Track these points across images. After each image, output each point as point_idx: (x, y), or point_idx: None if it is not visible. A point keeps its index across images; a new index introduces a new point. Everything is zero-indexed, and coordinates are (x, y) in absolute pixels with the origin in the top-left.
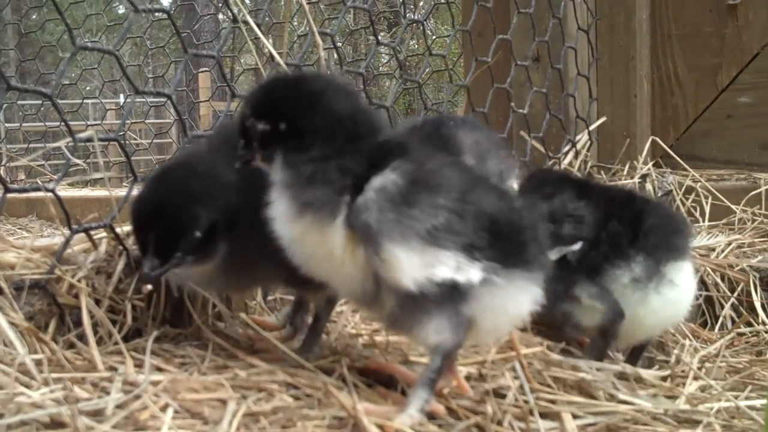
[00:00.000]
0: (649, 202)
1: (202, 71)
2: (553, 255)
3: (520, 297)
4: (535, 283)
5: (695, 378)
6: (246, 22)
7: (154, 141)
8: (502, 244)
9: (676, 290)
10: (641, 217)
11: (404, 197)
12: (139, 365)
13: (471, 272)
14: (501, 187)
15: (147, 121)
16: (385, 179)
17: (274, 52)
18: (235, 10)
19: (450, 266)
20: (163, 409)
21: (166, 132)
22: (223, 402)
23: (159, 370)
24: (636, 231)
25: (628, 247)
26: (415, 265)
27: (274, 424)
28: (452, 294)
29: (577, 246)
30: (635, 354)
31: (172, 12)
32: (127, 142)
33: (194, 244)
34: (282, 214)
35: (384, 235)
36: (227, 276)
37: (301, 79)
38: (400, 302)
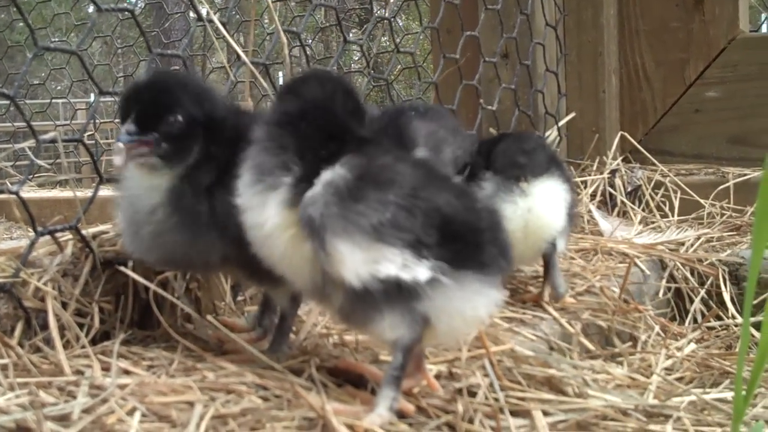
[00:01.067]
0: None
1: (173, 70)
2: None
3: (474, 299)
4: (492, 286)
5: (665, 372)
6: (211, 21)
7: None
8: (454, 244)
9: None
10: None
11: (351, 192)
12: (106, 368)
13: (417, 270)
14: (462, 186)
15: (117, 120)
16: (334, 174)
17: (240, 52)
18: (202, 10)
19: (395, 263)
20: (131, 412)
21: None
22: (191, 404)
23: (127, 373)
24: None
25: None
26: (359, 261)
27: (242, 426)
28: (402, 292)
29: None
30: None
31: (140, 10)
32: (96, 142)
33: (173, 129)
34: (243, 184)
35: (328, 230)
36: (186, 224)
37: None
38: (349, 298)
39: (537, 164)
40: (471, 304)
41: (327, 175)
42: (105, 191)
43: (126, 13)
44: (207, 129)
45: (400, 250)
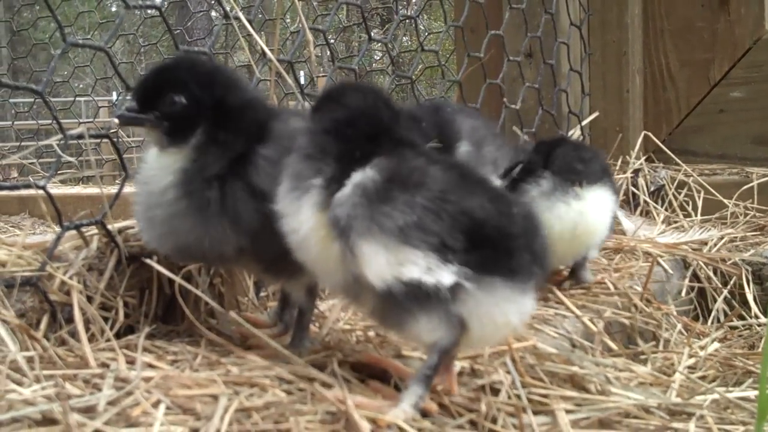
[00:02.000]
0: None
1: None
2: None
3: (504, 306)
4: (523, 293)
5: (687, 371)
6: (237, 19)
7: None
8: (484, 250)
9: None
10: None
11: (379, 194)
12: (131, 362)
13: (441, 274)
14: (499, 189)
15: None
16: (364, 175)
17: (266, 49)
18: (227, 7)
19: (419, 266)
20: (155, 405)
21: None
22: (215, 398)
23: (151, 366)
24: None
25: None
26: (383, 263)
27: (266, 420)
28: (434, 296)
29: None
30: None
31: (164, 9)
32: (120, 139)
33: (174, 110)
34: (282, 191)
35: (353, 230)
36: (195, 209)
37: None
38: (381, 300)
39: (592, 172)
40: (501, 311)
41: (357, 177)
42: (130, 187)
43: (149, 11)
44: (216, 114)
45: (424, 253)
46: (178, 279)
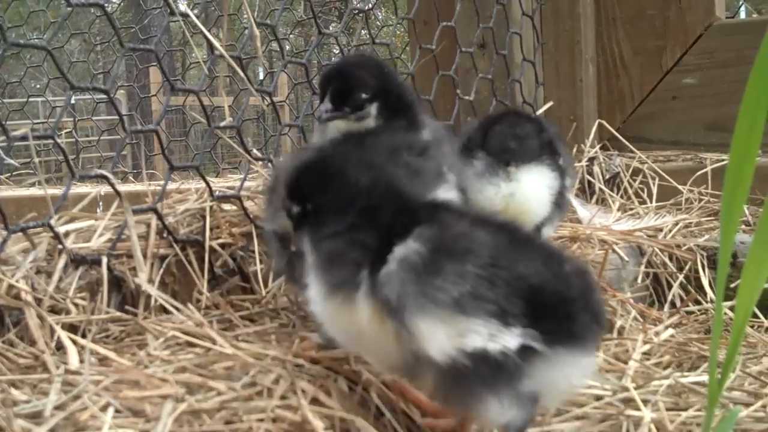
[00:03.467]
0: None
1: (153, 65)
2: None
3: (567, 371)
4: (585, 355)
5: (642, 357)
6: (186, 15)
7: (105, 138)
8: (545, 319)
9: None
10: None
11: (427, 266)
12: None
13: (505, 339)
14: (549, 247)
15: (94, 118)
16: (407, 249)
17: (216, 44)
18: (178, 5)
19: (481, 334)
20: (104, 408)
21: (115, 128)
22: (167, 398)
23: (104, 363)
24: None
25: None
26: (443, 336)
27: (217, 421)
28: (503, 366)
29: None
30: None
31: (118, 7)
32: (76, 139)
33: (360, 104)
34: (315, 296)
35: (406, 308)
36: None
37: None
38: (445, 375)
39: (527, 150)
40: (566, 377)
41: (400, 251)
42: (81, 188)
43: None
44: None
45: (484, 320)
46: (130, 279)
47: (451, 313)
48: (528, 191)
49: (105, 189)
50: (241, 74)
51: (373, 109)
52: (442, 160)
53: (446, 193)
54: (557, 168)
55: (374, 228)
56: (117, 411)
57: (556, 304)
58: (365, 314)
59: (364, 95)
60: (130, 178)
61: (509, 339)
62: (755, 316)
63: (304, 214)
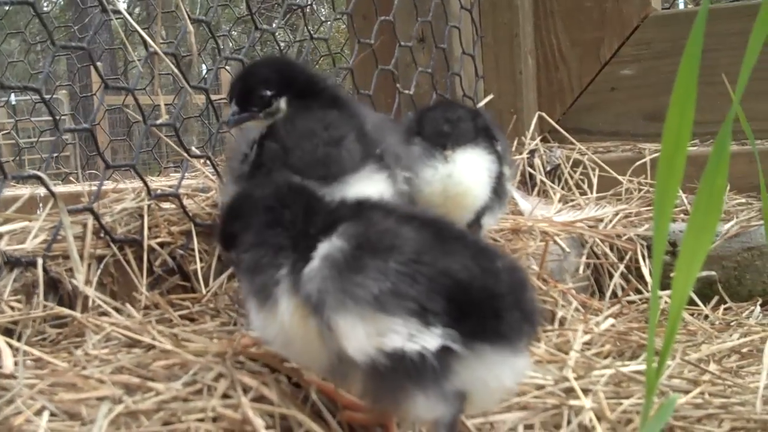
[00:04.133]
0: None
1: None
2: None
3: (496, 371)
4: (515, 354)
5: (583, 347)
6: (118, 12)
7: (46, 138)
8: (470, 315)
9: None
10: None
11: (349, 263)
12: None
13: (425, 339)
14: (480, 243)
15: (34, 118)
16: (331, 246)
17: (149, 41)
18: (105, 2)
19: (401, 334)
20: (39, 412)
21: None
22: (103, 401)
23: (38, 368)
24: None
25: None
26: (362, 335)
27: (155, 422)
28: (422, 366)
29: None
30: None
31: (58, 6)
32: (17, 140)
33: (267, 101)
34: (251, 312)
35: (326, 305)
36: None
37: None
38: (368, 376)
39: (462, 134)
40: (493, 375)
41: (324, 248)
42: (20, 190)
43: (44, 7)
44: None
45: (404, 319)
46: (67, 280)
47: (371, 311)
48: (465, 172)
49: (45, 191)
50: (176, 71)
51: (282, 102)
52: (373, 142)
53: (372, 174)
54: (494, 152)
55: (287, 230)
56: (53, 414)
57: (483, 300)
58: (287, 314)
59: (268, 92)
60: (71, 178)
61: (429, 339)
62: (695, 304)
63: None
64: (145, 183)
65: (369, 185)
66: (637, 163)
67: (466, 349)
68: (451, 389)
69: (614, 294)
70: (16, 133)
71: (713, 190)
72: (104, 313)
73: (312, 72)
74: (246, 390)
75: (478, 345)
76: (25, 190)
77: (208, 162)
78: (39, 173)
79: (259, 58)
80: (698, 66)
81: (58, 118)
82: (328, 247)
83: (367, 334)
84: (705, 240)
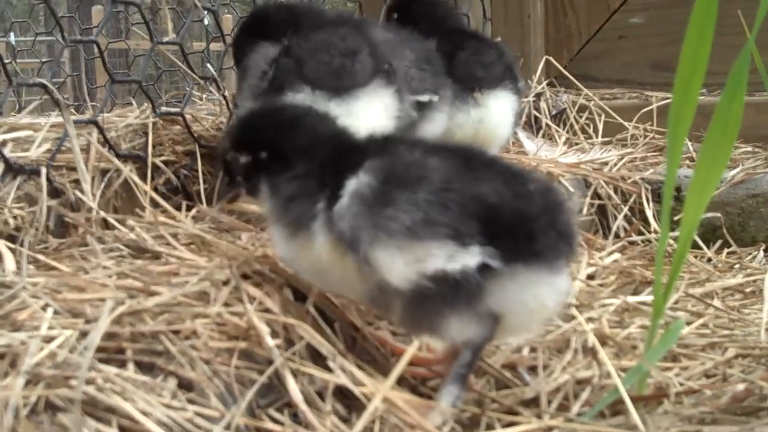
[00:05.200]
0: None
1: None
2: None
3: (535, 291)
4: (553, 274)
5: (587, 279)
6: None
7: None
8: (503, 237)
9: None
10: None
11: (377, 198)
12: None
13: (465, 258)
14: (512, 168)
15: (32, 60)
16: (359, 182)
17: None
18: None
19: (440, 257)
20: (43, 309)
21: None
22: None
23: (43, 268)
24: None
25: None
26: (401, 264)
27: (159, 322)
28: (461, 290)
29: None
30: None
31: None
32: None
33: None
34: (278, 239)
35: (362, 241)
36: None
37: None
38: (410, 302)
39: (493, 77)
40: (533, 296)
41: (352, 185)
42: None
43: None
44: None
45: (440, 243)
46: (70, 191)
47: (406, 241)
48: (496, 115)
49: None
50: None
51: None
52: (383, 57)
53: (379, 89)
54: (517, 91)
55: (327, 165)
56: (56, 312)
57: (516, 222)
58: (324, 250)
59: None
60: (72, 110)
61: (468, 258)
62: (698, 247)
63: (257, 162)
64: (151, 99)
65: (376, 99)
66: (644, 110)
67: (505, 267)
68: (485, 311)
69: (617, 235)
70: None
71: (723, 134)
72: (107, 226)
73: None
74: (251, 299)
75: (513, 265)
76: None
77: (212, 83)
78: (44, 81)
79: None
80: (714, 13)
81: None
82: (355, 183)
83: (407, 263)
84: (712, 180)
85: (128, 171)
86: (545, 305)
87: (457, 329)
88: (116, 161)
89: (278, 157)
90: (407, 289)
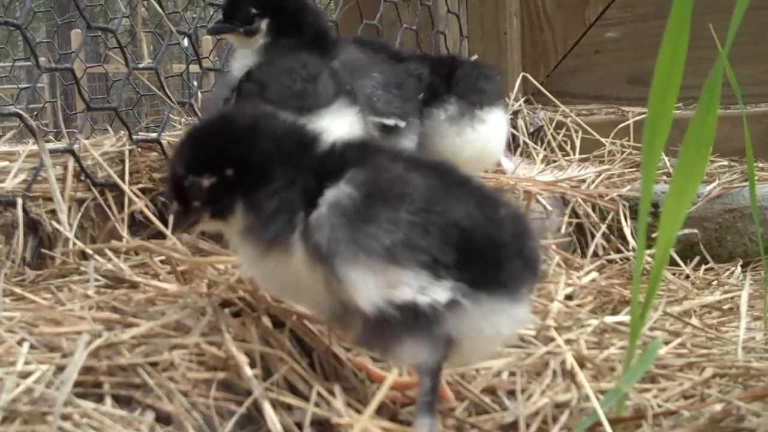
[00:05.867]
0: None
1: (75, 29)
2: None
3: (494, 319)
4: (515, 303)
5: (565, 300)
6: None
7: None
8: (474, 264)
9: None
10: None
11: (359, 212)
12: None
13: (436, 292)
14: (484, 190)
15: (9, 86)
16: (339, 193)
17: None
18: None
19: (412, 287)
20: (19, 343)
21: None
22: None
23: (20, 301)
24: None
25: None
26: (372, 287)
27: (137, 355)
28: (420, 317)
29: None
30: None
31: None
32: None
33: (249, 18)
34: (248, 257)
35: (337, 256)
36: None
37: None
38: (371, 325)
39: (491, 93)
40: (491, 324)
41: (331, 194)
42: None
43: None
44: None
45: (415, 272)
46: (47, 222)
47: (382, 264)
48: (497, 132)
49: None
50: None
51: (263, 24)
52: (345, 79)
53: (343, 108)
54: (507, 110)
55: (305, 172)
56: (32, 347)
57: (486, 249)
58: (300, 258)
59: (254, 10)
60: (50, 137)
61: (440, 292)
62: (677, 264)
63: (224, 182)
64: (127, 127)
65: (340, 118)
66: (621, 125)
67: (471, 300)
68: (442, 337)
69: (595, 254)
70: None
71: (697, 149)
72: (84, 257)
73: (304, 4)
74: (229, 328)
75: (478, 294)
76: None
77: (189, 109)
78: (19, 110)
79: None
80: (687, 27)
81: (34, 52)
82: (335, 193)
83: (378, 286)
84: (687, 195)
85: (103, 201)
86: (501, 334)
87: (410, 353)
88: (93, 190)
89: (250, 171)
90: (370, 313)
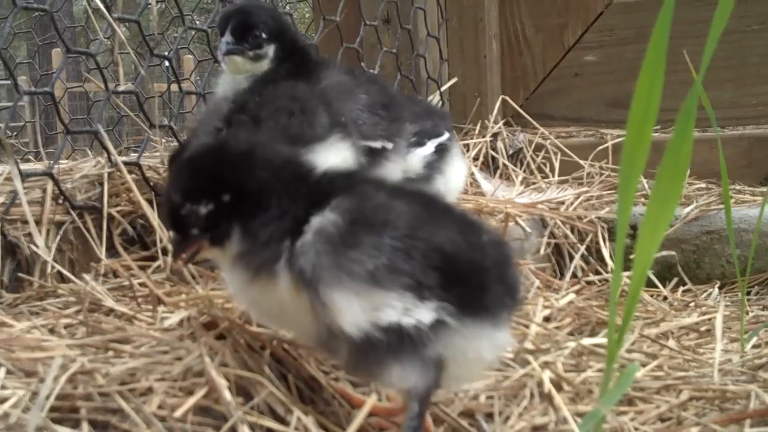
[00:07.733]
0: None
1: (55, 48)
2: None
3: (476, 343)
4: (496, 328)
5: (543, 322)
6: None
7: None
8: (457, 287)
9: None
10: None
11: (344, 238)
12: None
13: (420, 313)
14: (467, 217)
15: None
16: (324, 220)
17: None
18: None
19: (396, 309)
20: None
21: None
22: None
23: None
24: None
25: None
26: (357, 310)
27: (113, 380)
28: (406, 340)
29: None
30: None
31: None
32: None
33: (259, 42)
34: (237, 283)
35: (321, 281)
36: None
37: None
38: (357, 348)
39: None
40: (473, 348)
41: (316, 222)
42: None
43: None
44: None
45: (399, 294)
46: (25, 245)
47: (366, 287)
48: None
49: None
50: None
51: (270, 50)
52: (339, 111)
53: (337, 142)
54: None
55: (294, 201)
56: (9, 372)
57: (469, 273)
58: (285, 286)
59: (264, 35)
60: (30, 157)
61: (424, 313)
62: (654, 285)
63: (222, 208)
64: (107, 149)
65: (334, 152)
66: (599, 147)
67: (454, 319)
68: (430, 358)
69: (574, 275)
70: None
71: (673, 173)
72: (63, 280)
73: (296, 30)
74: (209, 352)
75: (462, 318)
76: None
77: (169, 132)
78: None
79: (251, 1)
80: (665, 52)
81: (13, 76)
82: (321, 220)
83: (363, 309)
84: (664, 218)
85: (81, 224)
86: (483, 358)
87: (399, 377)
88: (72, 213)
89: (246, 197)
90: (356, 336)
